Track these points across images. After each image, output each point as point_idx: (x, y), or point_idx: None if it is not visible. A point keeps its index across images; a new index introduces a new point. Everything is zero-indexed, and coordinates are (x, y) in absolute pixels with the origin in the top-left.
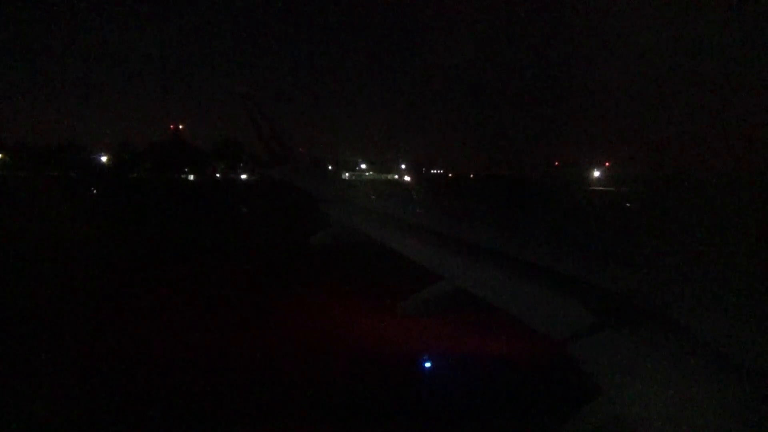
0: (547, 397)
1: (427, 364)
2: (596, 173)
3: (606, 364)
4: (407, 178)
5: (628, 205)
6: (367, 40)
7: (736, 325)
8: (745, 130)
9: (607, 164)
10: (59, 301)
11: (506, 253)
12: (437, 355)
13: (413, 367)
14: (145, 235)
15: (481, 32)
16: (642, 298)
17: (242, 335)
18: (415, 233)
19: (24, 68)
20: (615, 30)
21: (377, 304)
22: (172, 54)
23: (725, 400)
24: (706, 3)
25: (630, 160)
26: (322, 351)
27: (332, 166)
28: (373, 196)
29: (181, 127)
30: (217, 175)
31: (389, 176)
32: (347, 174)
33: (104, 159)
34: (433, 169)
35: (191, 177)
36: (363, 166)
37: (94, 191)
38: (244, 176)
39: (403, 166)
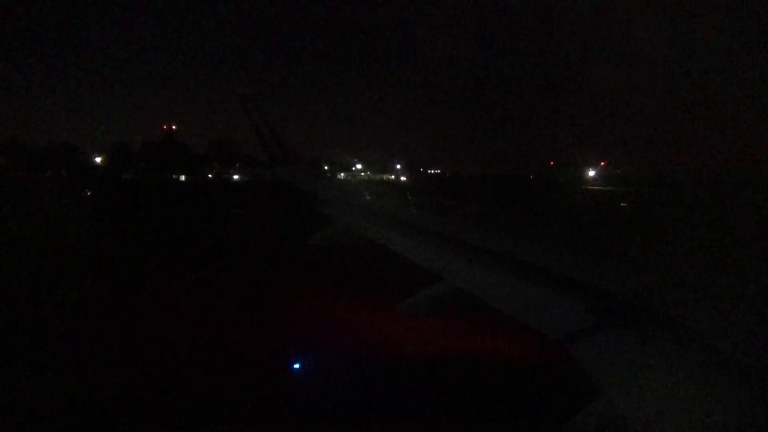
0: (547, 397)
1: (296, 366)
2: (591, 173)
3: (606, 364)
4: (403, 178)
5: (623, 204)
6: (364, 40)
7: (736, 324)
8: (742, 130)
9: (602, 163)
10: (51, 302)
11: (506, 253)
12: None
13: (413, 367)
14: (142, 237)
15: (477, 32)
16: (642, 297)
17: (242, 335)
18: (414, 233)
19: (16, 68)
20: (611, 30)
21: (376, 304)
22: (169, 54)
23: (726, 400)
24: (701, 3)
25: (625, 160)
26: (321, 351)
27: (328, 167)
28: (368, 197)
29: (174, 127)
30: (209, 175)
31: (385, 176)
32: (343, 174)
33: (98, 159)
34: (431, 169)
35: (182, 177)
36: (359, 166)
37: (88, 192)
38: (236, 177)
39: (398, 166)
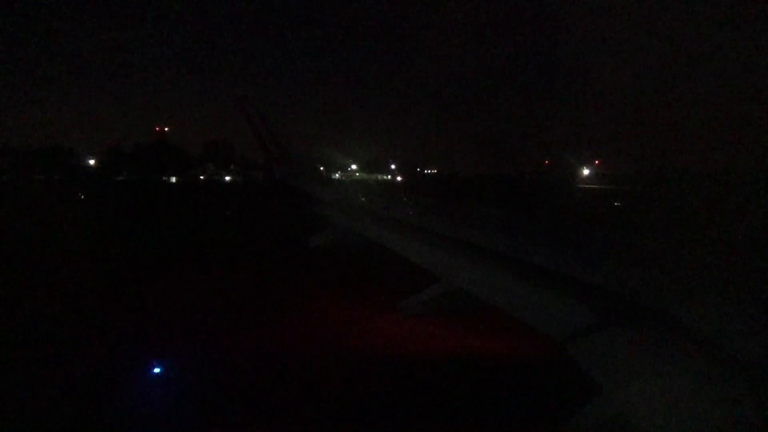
0: (547, 396)
1: (156, 369)
2: (586, 171)
3: (606, 363)
4: (399, 179)
5: (616, 204)
6: (360, 40)
7: (736, 323)
8: (739, 127)
9: (597, 162)
10: (40, 304)
11: (505, 253)
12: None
13: (413, 366)
14: (135, 240)
15: (473, 32)
16: (641, 297)
17: (242, 336)
18: (413, 234)
19: (8, 70)
20: (607, 30)
21: (377, 305)
22: (167, 56)
23: (725, 398)
24: (696, 3)
25: (620, 158)
26: (322, 351)
27: (323, 167)
28: (367, 198)
29: (166, 129)
30: (201, 177)
31: (380, 177)
32: (338, 175)
33: (91, 162)
34: (427, 170)
35: (173, 179)
36: (354, 166)
37: (82, 196)
38: (227, 178)
39: (393, 167)
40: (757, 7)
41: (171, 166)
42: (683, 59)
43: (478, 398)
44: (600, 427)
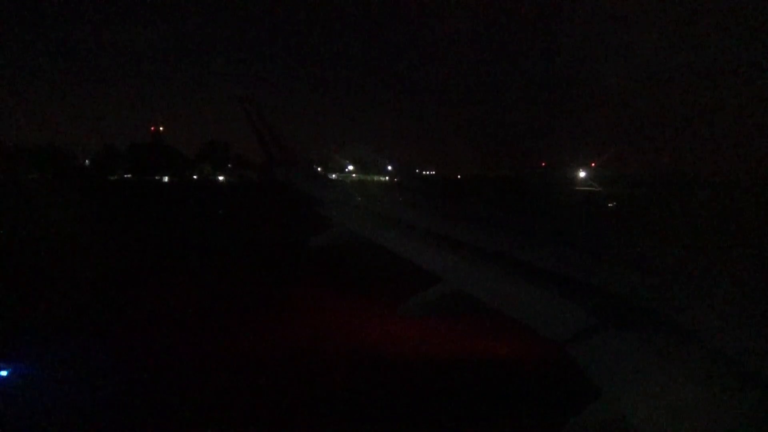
0: (547, 398)
1: (3, 373)
2: (582, 173)
3: (606, 365)
4: (397, 180)
5: (610, 205)
6: (355, 39)
7: (736, 325)
8: (737, 130)
9: (593, 164)
10: (31, 304)
11: (506, 254)
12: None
13: (414, 367)
14: (139, 239)
15: (470, 32)
16: (641, 299)
17: (243, 336)
18: (414, 235)
19: (3, 69)
20: (604, 30)
21: (377, 306)
22: (165, 56)
23: (726, 400)
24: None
25: (615, 161)
26: (322, 352)
27: (320, 168)
28: (367, 198)
29: (161, 129)
30: (194, 177)
31: (375, 177)
32: (334, 176)
33: (87, 161)
34: (425, 171)
35: (165, 179)
36: (350, 167)
37: (72, 196)
38: (221, 178)
39: (389, 168)
40: (757, 8)
41: (165, 166)
42: (683, 61)
43: (477, 400)
44: (600, 429)
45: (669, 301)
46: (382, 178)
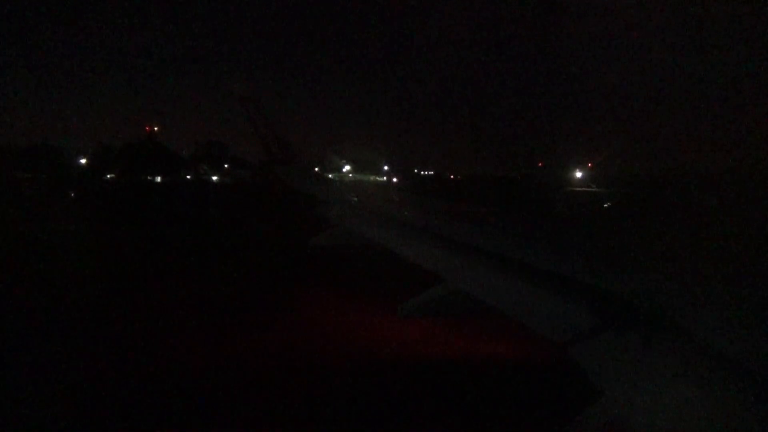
0: (548, 399)
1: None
2: (578, 174)
3: (607, 366)
4: (395, 180)
5: (605, 205)
6: (352, 39)
7: (737, 325)
8: (734, 129)
9: (590, 165)
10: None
11: (506, 255)
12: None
13: (414, 368)
14: (138, 239)
15: (466, 32)
16: (643, 299)
17: (243, 336)
18: (415, 235)
19: None
20: (600, 30)
21: (378, 306)
22: (162, 56)
23: (727, 401)
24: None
25: (612, 161)
26: (322, 352)
27: (317, 167)
28: (368, 198)
29: (156, 128)
30: (188, 176)
31: (372, 177)
32: (331, 176)
33: (83, 161)
34: (424, 171)
35: (158, 179)
36: (347, 167)
37: (72, 194)
38: (215, 177)
39: (386, 167)
40: (758, 9)
41: (159, 166)
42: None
43: (478, 400)
44: (601, 430)
45: (670, 302)
46: (379, 178)
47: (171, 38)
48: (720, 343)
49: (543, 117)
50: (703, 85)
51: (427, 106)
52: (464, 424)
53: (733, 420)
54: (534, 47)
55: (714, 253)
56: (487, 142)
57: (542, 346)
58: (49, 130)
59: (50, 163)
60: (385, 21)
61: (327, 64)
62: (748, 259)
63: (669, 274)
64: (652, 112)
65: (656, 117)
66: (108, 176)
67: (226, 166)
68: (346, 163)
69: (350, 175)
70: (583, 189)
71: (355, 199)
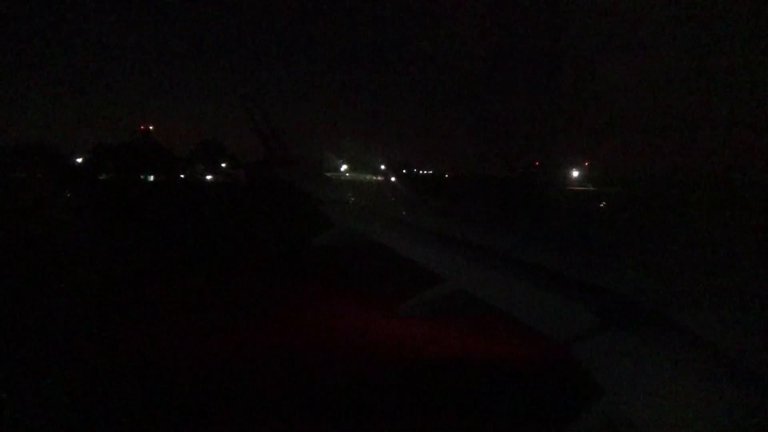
0: (550, 398)
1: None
2: (575, 173)
3: (609, 365)
4: (393, 179)
5: (601, 205)
6: (348, 38)
7: (740, 324)
8: (736, 128)
9: (586, 164)
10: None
11: (508, 253)
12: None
13: (415, 368)
14: (141, 239)
15: (463, 31)
16: (645, 298)
17: (245, 335)
18: (416, 234)
19: None
20: (598, 30)
21: (379, 305)
22: (161, 55)
23: (729, 400)
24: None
25: (610, 160)
26: (323, 351)
27: (317, 167)
28: (369, 198)
29: (151, 127)
30: (182, 176)
31: (368, 177)
32: (329, 175)
33: (79, 160)
34: (422, 170)
35: (150, 178)
36: (344, 167)
37: (68, 194)
38: (209, 177)
39: (382, 167)
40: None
41: (153, 166)
42: (681, 57)
43: (480, 400)
44: (603, 429)
45: (672, 301)
46: (376, 178)
47: (171, 38)
48: (722, 341)
49: (541, 116)
50: (702, 85)
51: (426, 105)
52: (466, 423)
53: (735, 419)
54: (533, 46)
55: (715, 250)
56: (487, 142)
57: (544, 345)
58: (45, 129)
59: (45, 163)
60: (385, 21)
61: (326, 64)
62: (749, 256)
63: (671, 272)
64: (651, 112)
65: (656, 117)
66: (102, 176)
67: (223, 165)
68: (343, 163)
69: (346, 174)
70: (580, 188)
71: (352, 199)
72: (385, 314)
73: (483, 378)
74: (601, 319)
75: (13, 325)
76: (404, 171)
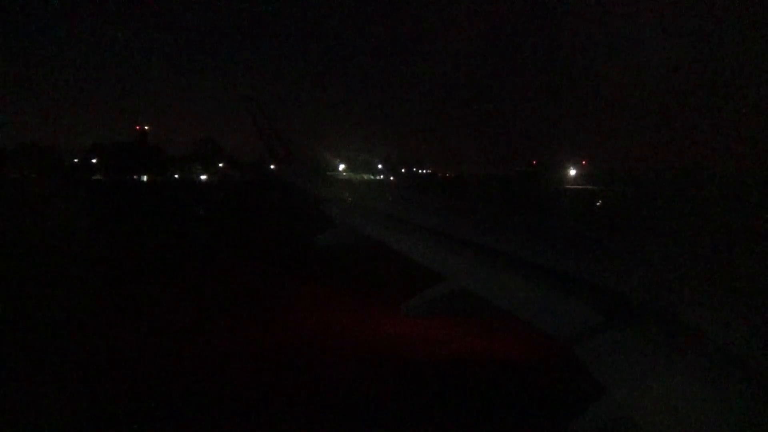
0: (552, 397)
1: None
2: (573, 172)
3: (611, 364)
4: (392, 179)
5: (598, 203)
6: (348, 36)
7: (741, 323)
8: (735, 128)
9: (584, 162)
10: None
11: (510, 253)
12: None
13: (417, 367)
14: (147, 238)
15: (462, 31)
16: (647, 297)
17: (247, 334)
18: (418, 234)
19: None
20: (596, 29)
21: (381, 304)
22: (157, 53)
23: (731, 399)
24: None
25: (607, 158)
26: (325, 350)
27: (315, 167)
28: (370, 198)
29: (146, 128)
30: (176, 176)
31: (366, 176)
32: (328, 174)
33: (75, 160)
34: (421, 169)
35: (144, 178)
36: (342, 166)
37: (62, 195)
38: (203, 177)
39: (380, 166)
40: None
41: (148, 166)
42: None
43: (481, 399)
44: (604, 428)
45: (673, 300)
46: (374, 177)
47: (170, 38)
48: (724, 340)
49: (538, 114)
50: (702, 85)
51: (426, 105)
52: (468, 422)
53: (738, 418)
54: (532, 46)
55: (718, 250)
56: (485, 141)
57: (546, 344)
58: (44, 129)
59: (40, 163)
60: (385, 21)
61: (326, 64)
62: (751, 254)
63: (673, 272)
64: (650, 111)
65: (655, 116)
66: (96, 177)
67: (221, 165)
68: (341, 162)
69: (344, 174)
70: (578, 187)
71: (350, 198)
72: (387, 313)
73: (485, 376)
74: (603, 318)
75: (11, 324)
76: (403, 170)
